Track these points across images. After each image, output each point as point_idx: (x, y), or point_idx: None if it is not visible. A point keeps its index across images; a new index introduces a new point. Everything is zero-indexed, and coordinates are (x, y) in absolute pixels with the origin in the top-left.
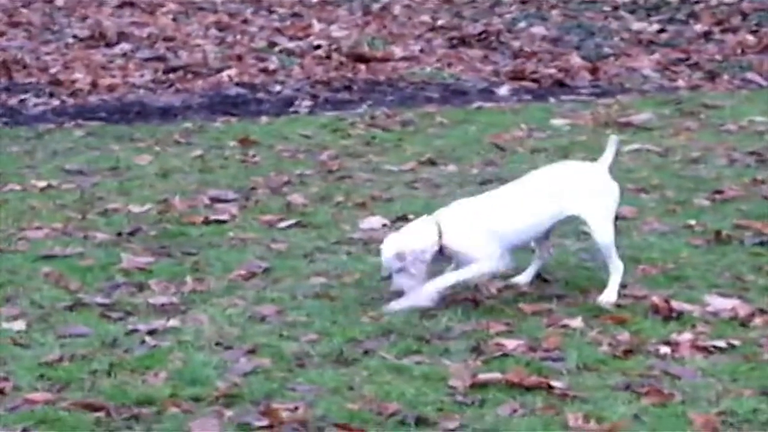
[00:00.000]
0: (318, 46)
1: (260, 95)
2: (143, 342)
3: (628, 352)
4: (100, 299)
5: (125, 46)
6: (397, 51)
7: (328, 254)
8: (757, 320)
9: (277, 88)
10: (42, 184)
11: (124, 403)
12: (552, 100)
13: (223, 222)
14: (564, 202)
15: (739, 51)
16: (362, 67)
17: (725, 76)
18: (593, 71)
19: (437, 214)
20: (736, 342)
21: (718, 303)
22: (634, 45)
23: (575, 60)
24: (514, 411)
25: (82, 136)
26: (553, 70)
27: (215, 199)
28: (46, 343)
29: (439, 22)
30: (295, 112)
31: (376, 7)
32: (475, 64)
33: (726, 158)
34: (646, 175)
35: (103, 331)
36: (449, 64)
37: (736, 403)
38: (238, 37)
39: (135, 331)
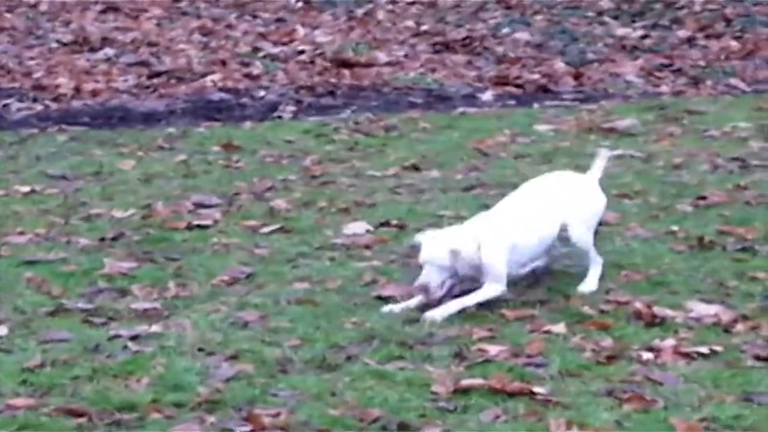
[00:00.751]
0: (302, 52)
1: (244, 100)
2: (125, 347)
3: (610, 358)
4: (82, 304)
5: (109, 51)
6: (381, 56)
7: (311, 260)
8: (740, 326)
9: (261, 93)
10: (25, 189)
11: (106, 409)
12: (536, 105)
13: (206, 227)
14: (563, 212)
15: (722, 57)
16: (346, 72)
17: (709, 82)
18: (577, 77)
19: (470, 224)
20: (718, 348)
21: (701, 309)
22: (618, 51)
23: (559, 65)
24: (497, 417)
25: (65, 141)
26: (536, 76)
27: (198, 205)
28: (28, 349)
29: (423, 28)
30: (279, 117)
31: (360, 12)
32: (458, 70)
33: (709, 164)
34: (629, 181)
35: (85, 337)
36: (433, 70)
37: (718, 409)
38: (222, 42)
39: (117, 336)
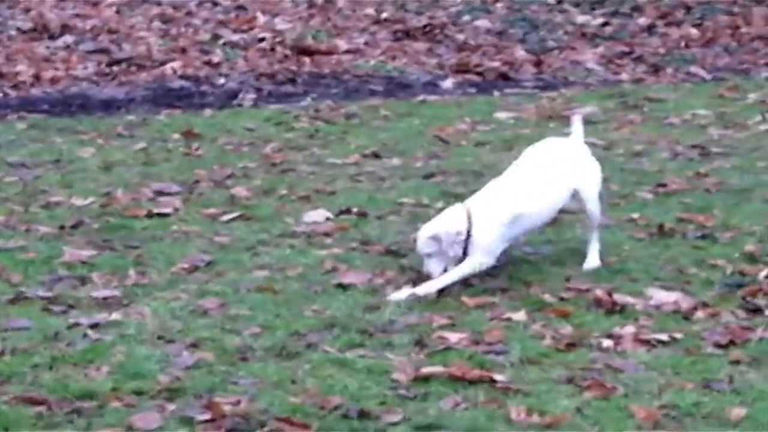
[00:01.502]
0: (262, 39)
1: (204, 88)
2: (85, 335)
3: (570, 346)
4: (42, 292)
5: (68, 39)
6: (342, 44)
7: (271, 247)
8: (699, 313)
9: (221, 80)
10: None
11: (66, 397)
12: (496, 93)
13: (167, 215)
14: (573, 176)
15: (682, 44)
16: (306, 59)
17: (669, 70)
18: (537, 64)
19: (468, 202)
20: (678, 335)
21: (661, 296)
22: (578, 38)
23: (519, 53)
24: (457, 404)
25: (24, 128)
26: (497, 63)
27: (158, 192)
28: None
29: (384, 15)
30: (239, 104)
31: None
32: (419, 57)
33: (669, 151)
34: None
35: (44, 325)
36: (393, 57)
37: (678, 397)
38: (182, 29)
39: (77, 324)
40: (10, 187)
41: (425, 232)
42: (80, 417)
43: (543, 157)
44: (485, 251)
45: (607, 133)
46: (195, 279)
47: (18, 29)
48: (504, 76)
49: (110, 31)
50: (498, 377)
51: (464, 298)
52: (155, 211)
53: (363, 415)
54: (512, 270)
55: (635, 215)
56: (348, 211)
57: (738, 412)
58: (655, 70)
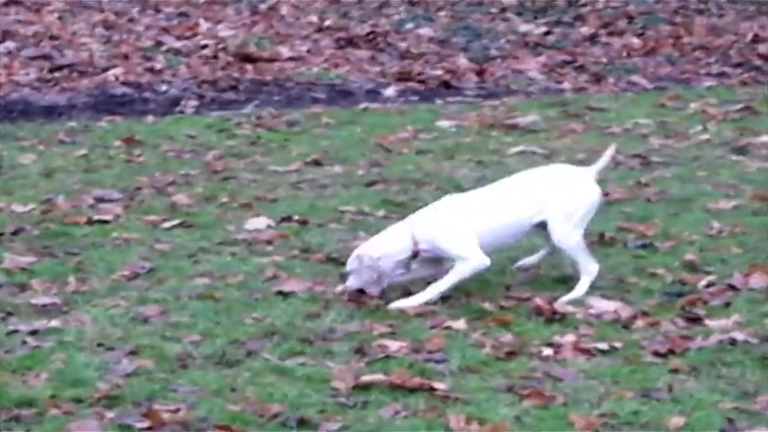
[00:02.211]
0: (205, 46)
1: (146, 95)
2: (24, 343)
3: (510, 354)
4: None
5: (10, 45)
6: (284, 51)
7: (212, 255)
8: (639, 322)
9: (163, 87)
10: None
11: (4, 405)
12: (438, 101)
13: (107, 222)
14: (540, 204)
15: (624, 54)
16: (249, 67)
17: (611, 79)
18: (480, 73)
19: (412, 219)
20: (618, 344)
21: (601, 305)
22: (521, 47)
23: (462, 62)
24: (397, 412)
25: None
26: (439, 72)
27: (99, 199)
28: None
29: (327, 23)
30: (181, 111)
31: (263, 7)
32: (362, 65)
33: (610, 161)
34: None
35: None
36: (336, 65)
37: (617, 405)
38: (125, 36)
39: (16, 331)
40: None
41: (359, 249)
42: (18, 424)
43: (518, 180)
44: (463, 257)
45: (549, 141)
46: (135, 286)
47: None
48: (446, 85)
49: (52, 38)
50: (438, 385)
51: None
52: (96, 218)
53: (302, 423)
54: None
55: None
56: (289, 218)
57: (677, 421)
58: (597, 79)
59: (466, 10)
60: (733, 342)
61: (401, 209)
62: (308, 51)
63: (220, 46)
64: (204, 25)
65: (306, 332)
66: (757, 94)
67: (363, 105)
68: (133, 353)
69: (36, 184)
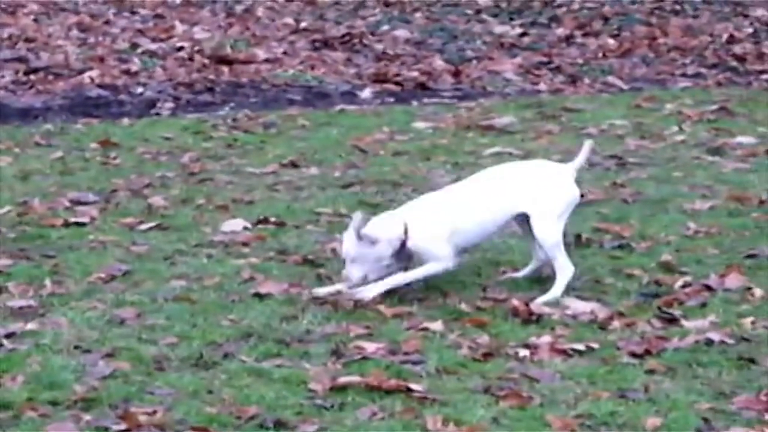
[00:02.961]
0: (180, 48)
1: (122, 97)
2: (1, 345)
3: (487, 355)
4: None
5: None
6: (260, 53)
7: (188, 257)
8: (616, 323)
9: (139, 89)
10: None
11: None
12: (414, 103)
13: (83, 224)
14: (519, 200)
15: (600, 55)
16: (225, 69)
17: (586, 80)
18: (456, 74)
19: (403, 210)
20: (594, 345)
21: (578, 306)
22: (497, 48)
23: (438, 63)
24: (374, 414)
25: None
26: (415, 73)
27: (75, 202)
28: None
29: (302, 25)
30: (157, 114)
31: (239, 9)
32: (338, 67)
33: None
34: None
35: None
36: (312, 67)
37: (593, 406)
38: (100, 38)
39: None
40: None
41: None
42: None
43: (491, 176)
44: (436, 257)
45: (525, 143)
46: (112, 288)
47: None
48: (422, 86)
49: (27, 40)
50: (415, 387)
51: (381, 308)
52: (72, 220)
53: (279, 425)
54: (428, 279)
55: None
56: (266, 220)
57: (653, 421)
58: (573, 80)
59: (442, 12)
60: (709, 342)
61: (378, 210)
62: (284, 53)
63: (196, 48)
64: (180, 27)
65: (283, 334)
66: (733, 94)
67: (339, 107)
68: (109, 356)
69: (12, 186)
